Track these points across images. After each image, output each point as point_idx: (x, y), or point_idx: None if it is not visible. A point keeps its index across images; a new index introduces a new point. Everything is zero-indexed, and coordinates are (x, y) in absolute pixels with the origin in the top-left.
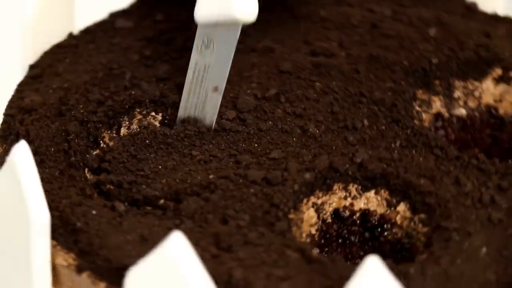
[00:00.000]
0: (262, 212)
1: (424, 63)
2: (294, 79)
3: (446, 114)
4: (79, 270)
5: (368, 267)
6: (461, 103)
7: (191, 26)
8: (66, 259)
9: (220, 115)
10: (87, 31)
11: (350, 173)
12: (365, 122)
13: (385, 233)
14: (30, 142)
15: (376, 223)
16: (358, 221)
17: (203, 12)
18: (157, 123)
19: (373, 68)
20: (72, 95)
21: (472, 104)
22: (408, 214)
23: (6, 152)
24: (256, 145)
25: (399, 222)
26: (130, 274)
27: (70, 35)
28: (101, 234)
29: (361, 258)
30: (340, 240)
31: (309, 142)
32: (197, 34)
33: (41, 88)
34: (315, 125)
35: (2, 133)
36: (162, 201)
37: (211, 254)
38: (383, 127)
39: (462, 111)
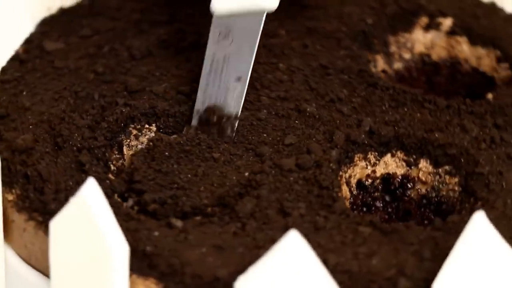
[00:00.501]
0: (314, 197)
1: (362, 26)
2: (256, 65)
3: (390, 71)
4: None
5: (476, 224)
6: (396, 57)
7: (125, 35)
8: (148, 286)
9: None
10: (20, 60)
11: (366, 142)
12: (345, 91)
13: (408, 192)
14: (46, 182)
15: (399, 184)
16: (380, 187)
17: (220, 2)
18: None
19: (317, 40)
20: (59, 125)
21: (406, 55)
22: (431, 169)
23: (25, 198)
24: (265, 135)
25: (423, 178)
26: (244, 282)
27: (3, 69)
28: (175, 253)
29: (387, 222)
30: (364, 209)
31: (311, 121)
32: (212, 25)
33: (18, 126)
34: (307, 104)
35: (8, 179)
36: (209, 209)
37: None
38: (364, 93)
39: (398, 65)
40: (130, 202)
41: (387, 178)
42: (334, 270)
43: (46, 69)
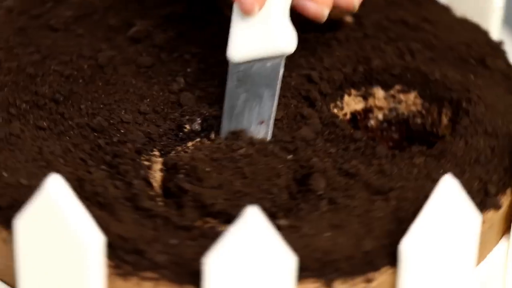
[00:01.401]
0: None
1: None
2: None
3: None
4: None
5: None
6: None
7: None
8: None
9: None
10: None
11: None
12: (319, 49)
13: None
14: None
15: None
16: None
17: (237, 50)
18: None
19: None
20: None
21: None
22: (383, 94)
23: None
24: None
25: (381, 104)
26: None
27: None
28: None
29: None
30: None
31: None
32: (230, 72)
33: None
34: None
35: None
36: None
37: None
38: (335, 44)
39: None
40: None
41: (355, 116)
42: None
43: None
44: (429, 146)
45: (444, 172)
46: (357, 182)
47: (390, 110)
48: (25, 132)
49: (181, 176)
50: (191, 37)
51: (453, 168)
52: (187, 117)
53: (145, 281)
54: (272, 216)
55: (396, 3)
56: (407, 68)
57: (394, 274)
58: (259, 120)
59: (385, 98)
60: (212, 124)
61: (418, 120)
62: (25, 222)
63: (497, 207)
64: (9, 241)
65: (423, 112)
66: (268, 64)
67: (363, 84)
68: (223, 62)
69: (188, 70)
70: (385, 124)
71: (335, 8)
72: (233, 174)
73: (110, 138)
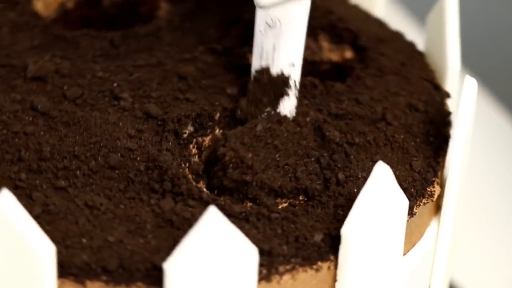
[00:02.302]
0: None
1: None
2: None
3: None
4: None
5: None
6: None
7: None
8: None
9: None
10: None
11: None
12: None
13: None
14: None
15: None
16: None
17: None
18: None
19: None
20: None
21: None
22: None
23: None
24: None
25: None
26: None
27: None
28: None
29: None
30: None
31: None
32: (258, 17)
33: None
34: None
35: None
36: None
37: None
38: None
39: None
40: None
41: None
42: None
43: None
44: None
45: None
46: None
47: None
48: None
49: (231, 170)
50: None
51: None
52: (176, 125)
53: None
54: (329, 168)
55: None
56: None
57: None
58: (288, 62)
59: None
60: (202, 121)
61: None
62: None
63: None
64: None
65: None
66: (295, 6)
67: None
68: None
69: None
70: None
71: None
72: (268, 151)
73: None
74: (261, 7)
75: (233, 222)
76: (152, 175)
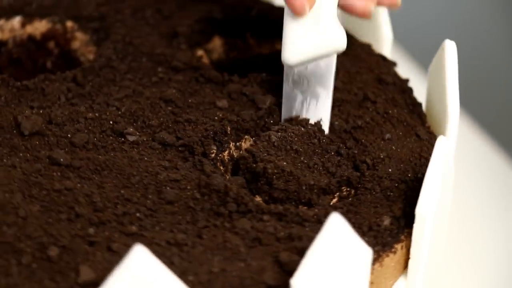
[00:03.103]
0: None
1: None
2: None
3: None
4: None
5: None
6: None
7: None
8: None
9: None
10: None
11: None
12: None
13: None
14: None
15: None
16: None
17: (293, 52)
18: None
19: None
20: None
21: None
22: None
23: None
24: None
25: None
26: None
27: None
28: None
29: None
30: None
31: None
32: (285, 75)
33: None
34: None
35: None
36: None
37: None
38: None
39: None
40: None
41: None
42: None
43: None
44: None
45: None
46: None
47: None
48: None
49: (277, 181)
50: None
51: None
52: (203, 147)
53: None
54: (351, 156)
55: None
56: None
57: None
58: (316, 119)
59: None
60: (220, 138)
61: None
62: None
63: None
64: None
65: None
66: (322, 63)
67: None
68: None
69: None
70: None
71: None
72: (293, 156)
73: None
74: (289, 66)
75: (308, 226)
76: (212, 200)
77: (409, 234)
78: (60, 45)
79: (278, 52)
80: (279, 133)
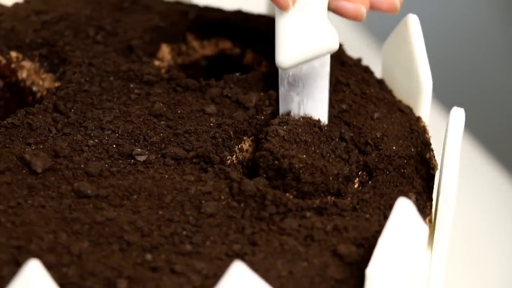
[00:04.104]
0: None
1: None
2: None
3: None
4: None
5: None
6: None
7: None
8: None
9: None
10: None
11: None
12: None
13: None
14: None
15: None
16: None
17: (286, 55)
18: None
19: None
20: None
21: None
22: None
23: None
24: None
25: None
26: None
27: None
28: None
29: None
30: None
31: None
32: (280, 78)
33: None
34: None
35: None
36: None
37: None
38: None
39: None
40: None
41: None
42: None
43: None
44: None
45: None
46: None
47: None
48: None
49: (304, 175)
50: None
51: None
52: (218, 155)
53: None
54: (353, 140)
55: None
56: None
57: None
58: (313, 120)
59: None
60: (228, 144)
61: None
62: None
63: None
64: None
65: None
66: (316, 64)
67: None
68: None
69: None
70: None
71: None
72: (305, 148)
73: None
74: (283, 69)
75: (347, 215)
76: (250, 206)
77: (431, 207)
78: (6, 76)
79: (223, 52)
80: (285, 127)
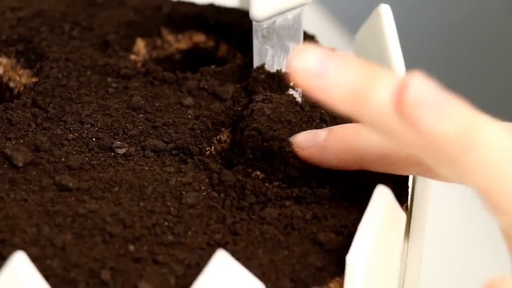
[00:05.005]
0: None
1: None
2: None
3: None
4: None
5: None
6: None
7: None
8: None
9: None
10: None
11: None
12: None
13: None
14: None
15: None
16: None
17: (260, 8)
18: None
19: None
20: None
21: None
22: None
23: None
24: None
25: None
26: None
27: None
28: None
29: None
30: None
31: None
32: (254, 31)
33: None
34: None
35: None
36: None
37: None
38: None
39: None
40: None
41: None
42: None
43: None
44: None
45: None
46: None
47: None
48: None
49: (293, 160)
50: None
51: None
52: (197, 147)
53: None
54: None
55: None
56: None
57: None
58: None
59: None
60: (208, 135)
61: None
62: None
63: None
64: None
65: None
66: (290, 16)
67: None
68: None
69: None
70: None
71: None
72: (289, 128)
73: None
74: (256, 21)
75: (325, 203)
76: (230, 196)
77: (407, 194)
78: None
79: (197, 46)
80: (270, 105)
